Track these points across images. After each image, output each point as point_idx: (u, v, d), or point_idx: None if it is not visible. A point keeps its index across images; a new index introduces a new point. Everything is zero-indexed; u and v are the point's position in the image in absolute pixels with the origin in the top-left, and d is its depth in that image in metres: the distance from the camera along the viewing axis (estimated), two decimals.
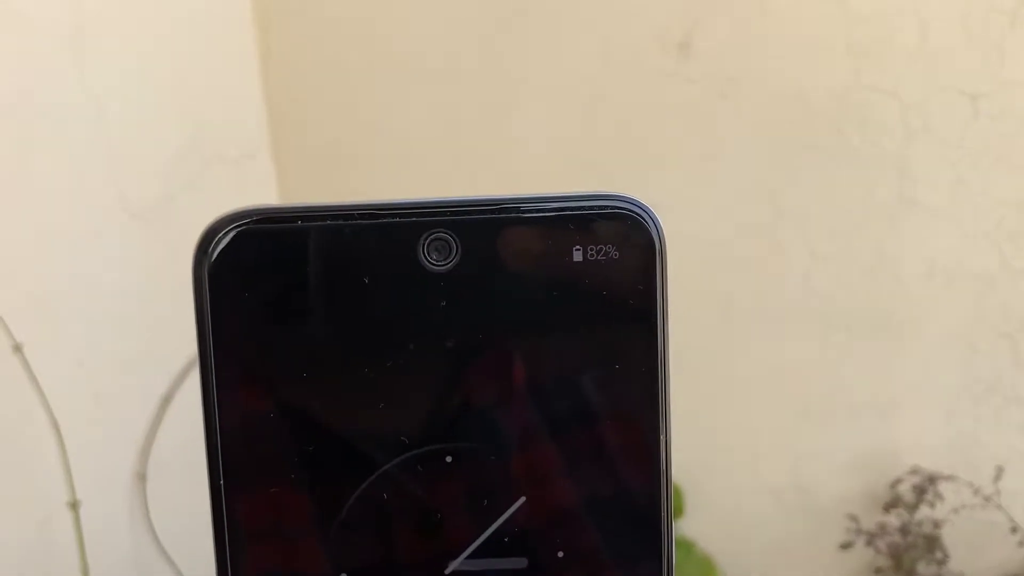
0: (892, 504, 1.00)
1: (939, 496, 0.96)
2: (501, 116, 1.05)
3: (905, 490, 0.99)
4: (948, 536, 1.00)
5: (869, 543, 0.99)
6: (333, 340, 0.17)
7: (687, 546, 1.10)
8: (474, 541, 0.17)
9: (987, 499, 0.96)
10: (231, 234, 0.18)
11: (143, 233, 0.93)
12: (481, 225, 0.17)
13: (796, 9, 0.94)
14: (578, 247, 0.18)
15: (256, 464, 0.18)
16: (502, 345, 0.18)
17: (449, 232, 0.17)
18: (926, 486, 0.96)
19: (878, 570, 1.02)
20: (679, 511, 1.10)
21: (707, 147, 1.00)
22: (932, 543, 0.98)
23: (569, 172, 1.04)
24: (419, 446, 0.17)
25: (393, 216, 0.18)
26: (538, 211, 0.18)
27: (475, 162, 1.07)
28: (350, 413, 0.18)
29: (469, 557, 0.17)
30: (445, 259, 0.17)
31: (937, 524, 0.99)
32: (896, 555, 1.00)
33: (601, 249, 0.19)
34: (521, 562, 0.17)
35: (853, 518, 1.02)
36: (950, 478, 0.97)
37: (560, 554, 0.17)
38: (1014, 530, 0.96)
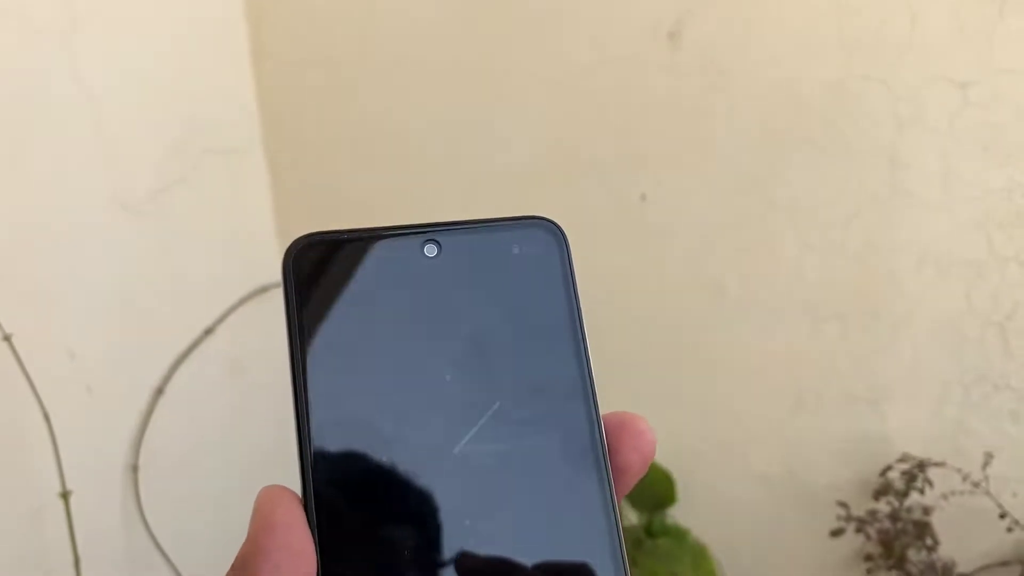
0: (882, 491, 1.00)
1: (929, 483, 0.96)
2: (492, 109, 1.05)
3: (895, 477, 1.00)
4: (938, 522, 1.00)
5: (859, 530, 1.00)
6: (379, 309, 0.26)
7: (680, 534, 1.10)
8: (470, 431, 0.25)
9: (976, 485, 0.97)
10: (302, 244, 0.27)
11: (136, 226, 0.93)
12: (455, 233, 0.27)
13: (788, 0, 0.94)
14: (515, 244, 0.28)
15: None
16: (476, 307, 0.27)
17: (436, 239, 0.27)
18: (916, 473, 0.96)
19: (868, 557, 1.03)
20: (671, 499, 1.10)
21: (699, 138, 1.00)
22: (922, 530, 0.99)
23: (559, 163, 1.04)
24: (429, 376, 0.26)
25: (406, 231, 0.27)
26: (491, 222, 0.28)
27: (466, 154, 1.07)
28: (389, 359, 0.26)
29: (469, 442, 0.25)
30: (436, 252, 0.27)
31: (927, 511, 1.00)
32: (886, 542, 1.00)
33: (529, 244, 0.28)
34: (503, 445, 0.25)
35: (843, 505, 1.02)
36: (940, 465, 0.98)
37: (526, 439, 0.25)
38: (1003, 516, 0.96)
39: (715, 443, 1.09)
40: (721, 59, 0.96)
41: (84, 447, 0.86)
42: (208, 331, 1.02)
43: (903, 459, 0.99)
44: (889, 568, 1.02)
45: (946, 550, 1.01)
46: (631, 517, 1.12)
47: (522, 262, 0.28)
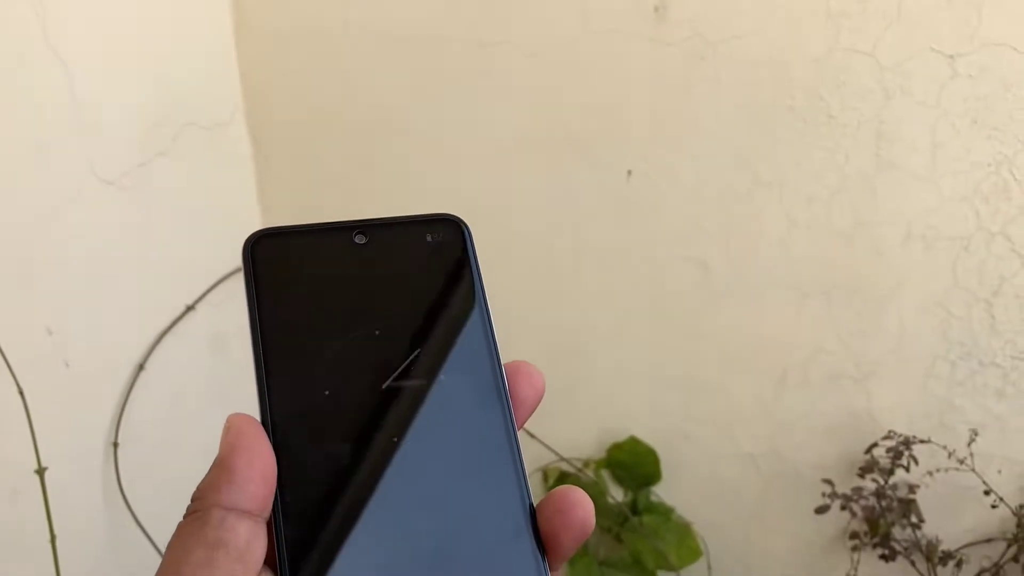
0: (867, 469, 1.00)
1: (914, 460, 0.96)
2: (476, 82, 1.04)
3: (880, 455, 0.99)
4: (923, 500, 1.00)
5: (844, 507, 0.99)
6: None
7: (665, 512, 1.10)
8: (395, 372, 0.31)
9: (961, 462, 0.97)
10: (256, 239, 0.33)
11: (116, 200, 0.92)
12: (379, 226, 0.34)
13: None
14: (429, 234, 0.34)
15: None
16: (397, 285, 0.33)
17: (364, 232, 0.34)
18: (901, 450, 0.96)
19: (853, 535, 1.03)
20: (656, 477, 1.10)
21: (684, 112, 0.99)
22: (907, 507, 0.99)
23: (544, 138, 1.03)
24: (367, 335, 0.32)
25: (342, 226, 0.34)
26: (408, 219, 0.34)
27: (449, 128, 1.06)
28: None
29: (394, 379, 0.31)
30: (364, 242, 0.33)
31: (912, 489, 1.00)
32: (871, 519, 1.00)
33: (439, 234, 0.34)
34: (422, 381, 0.31)
35: (829, 482, 1.02)
36: (925, 442, 0.98)
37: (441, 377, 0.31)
38: (987, 493, 0.96)
39: (700, 421, 1.08)
40: (707, 32, 0.95)
41: (62, 423, 0.85)
42: (190, 308, 1.01)
43: (889, 436, 0.98)
44: (874, 546, 1.01)
45: (931, 527, 1.01)
46: (616, 495, 1.11)
47: (434, 248, 0.34)
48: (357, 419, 0.30)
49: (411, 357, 0.31)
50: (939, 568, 1.00)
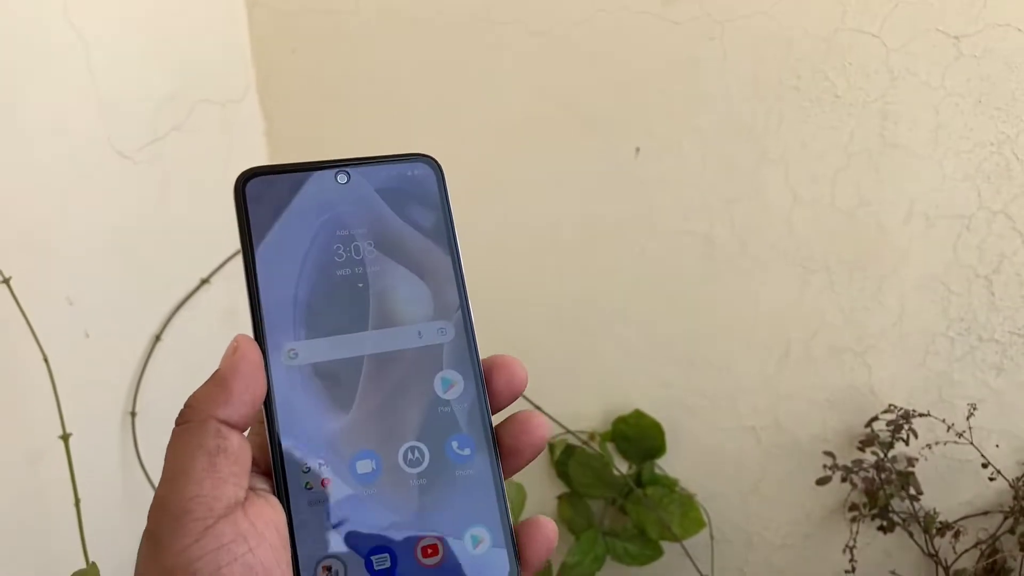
0: (867, 442, 1.02)
1: (913, 433, 0.98)
2: (485, 59, 1.05)
3: (880, 428, 1.02)
4: (921, 473, 1.02)
5: (845, 479, 1.01)
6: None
7: (669, 484, 1.12)
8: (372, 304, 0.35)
9: (960, 435, 0.99)
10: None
11: (132, 173, 0.94)
12: (361, 163, 0.36)
13: None
14: (409, 169, 0.37)
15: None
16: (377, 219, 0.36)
17: (346, 170, 0.36)
18: (901, 424, 0.98)
19: (852, 507, 1.05)
20: (660, 450, 1.12)
21: (691, 90, 1.00)
22: (906, 480, 1.01)
23: (553, 115, 1.05)
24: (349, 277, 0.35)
25: (329, 164, 0.36)
26: (389, 158, 0.37)
27: (459, 105, 1.08)
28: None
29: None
30: (346, 180, 0.36)
31: (911, 462, 1.02)
32: (871, 492, 1.02)
33: (416, 168, 0.37)
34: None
35: (830, 454, 1.04)
36: (924, 416, 1.00)
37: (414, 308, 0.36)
38: (985, 465, 0.98)
39: (703, 394, 1.10)
40: (714, 12, 0.96)
41: (83, 391, 0.87)
42: (204, 281, 1.03)
43: (889, 410, 1.00)
44: (872, 517, 1.04)
45: (929, 500, 1.03)
46: (621, 467, 1.14)
47: (411, 183, 0.36)
48: (336, 336, 0.34)
49: (389, 295, 0.35)
50: (936, 539, 1.03)
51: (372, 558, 0.32)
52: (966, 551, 1.03)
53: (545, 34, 1.02)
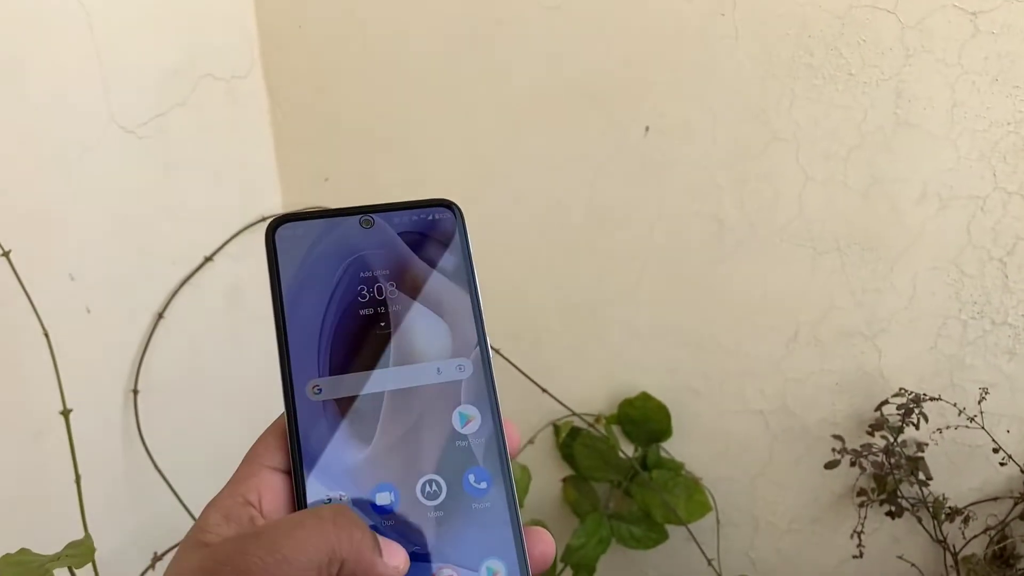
0: (877, 426, 1.01)
1: (924, 417, 0.97)
2: (495, 37, 1.04)
3: (890, 412, 1.00)
4: (931, 458, 1.01)
5: (854, 463, 1.00)
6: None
7: (675, 467, 1.12)
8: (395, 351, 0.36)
9: (971, 420, 0.97)
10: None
11: (135, 149, 0.93)
12: (386, 209, 0.38)
13: None
14: (430, 214, 0.38)
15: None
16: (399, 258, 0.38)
17: (370, 216, 0.37)
18: (912, 407, 0.97)
19: (860, 492, 1.04)
20: (667, 433, 1.11)
21: (702, 68, 0.98)
22: (915, 464, 1.00)
23: (562, 94, 1.03)
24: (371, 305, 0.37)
25: (356, 210, 0.38)
26: (412, 204, 0.38)
27: (466, 81, 1.06)
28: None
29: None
30: (370, 225, 0.37)
31: (920, 446, 1.01)
32: (880, 477, 1.01)
33: (437, 212, 0.38)
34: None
35: (839, 438, 1.03)
36: (936, 400, 0.98)
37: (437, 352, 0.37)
38: (996, 451, 0.97)
39: (711, 377, 1.09)
40: None
41: (84, 367, 0.86)
42: (208, 259, 1.02)
43: (899, 394, 0.99)
44: (881, 502, 1.03)
45: (938, 485, 1.02)
46: (627, 450, 1.13)
47: (432, 227, 0.38)
48: (358, 373, 0.36)
49: (410, 333, 0.36)
50: (945, 525, 1.02)
51: None
52: (975, 537, 1.02)
53: (557, 9, 1.00)
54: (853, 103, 0.94)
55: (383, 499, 0.34)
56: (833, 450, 1.02)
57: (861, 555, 1.02)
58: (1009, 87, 0.89)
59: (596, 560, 1.10)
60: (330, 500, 0.33)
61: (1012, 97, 0.89)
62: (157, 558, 0.90)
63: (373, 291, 0.37)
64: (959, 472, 1.03)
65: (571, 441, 1.13)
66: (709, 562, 1.10)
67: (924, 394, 0.98)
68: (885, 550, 1.08)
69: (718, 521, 1.13)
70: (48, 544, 0.62)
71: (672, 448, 1.13)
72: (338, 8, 1.07)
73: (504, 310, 1.10)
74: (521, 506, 0.36)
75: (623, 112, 1.02)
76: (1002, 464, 0.97)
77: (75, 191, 0.86)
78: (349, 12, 1.07)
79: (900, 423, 0.98)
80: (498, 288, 1.10)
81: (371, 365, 0.36)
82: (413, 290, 0.37)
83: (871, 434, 1.02)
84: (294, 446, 0.34)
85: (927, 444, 1.01)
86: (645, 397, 1.10)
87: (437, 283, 0.37)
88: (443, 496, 0.35)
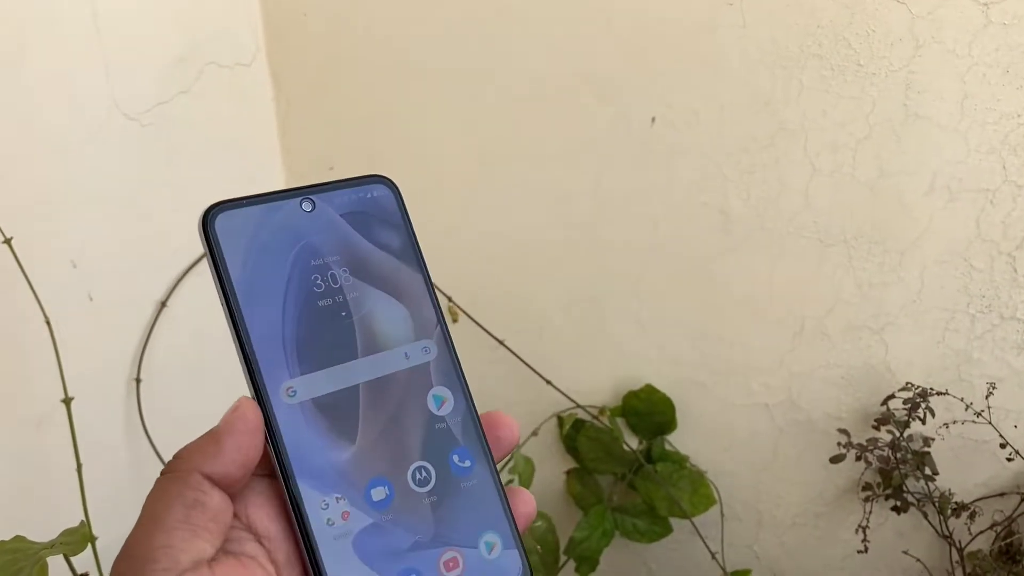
0: (883, 421, 1.00)
1: (930, 411, 0.96)
2: (498, 25, 1.03)
3: (897, 407, 0.99)
4: (937, 453, 1.00)
5: (859, 457, 1.00)
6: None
7: (679, 460, 1.11)
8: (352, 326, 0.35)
9: (979, 415, 0.97)
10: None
11: (138, 136, 0.92)
12: (323, 189, 0.36)
13: None
14: (368, 191, 0.37)
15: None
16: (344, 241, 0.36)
17: (311, 198, 0.35)
18: (918, 402, 0.96)
19: (866, 486, 1.03)
20: (671, 426, 1.11)
21: (709, 58, 0.97)
22: (921, 459, 0.99)
23: (568, 83, 1.02)
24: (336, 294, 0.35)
25: (293, 193, 0.36)
26: (346, 181, 0.37)
27: (470, 70, 1.05)
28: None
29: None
30: (312, 208, 0.35)
31: (927, 441, 1.00)
32: (885, 471, 1.01)
33: (375, 189, 0.37)
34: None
35: (844, 432, 1.02)
36: (942, 394, 0.98)
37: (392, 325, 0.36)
38: (1003, 446, 0.96)
39: (716, 370, 1.09)
40: None
41: (85, 356, 0.86)
42: None
43: (906, 388, 0.98)
44: (886, 498, 1.02)
45: (944, 481, 1.01)
46: (631, 443, 1.12)
47: (372, 205, 0.37)
48: (330, 368, 0.34)
49: (372, 321, 0.35)
50: (951, 520, 1.01)
51: None
52: (981, 532, 1.01)
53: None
54: (861, 94, 0.93)
55: (379, 494, 0.34)
56: (839, 444, 1.01)
57: (866, 550, 1.01)
58: (1020, 79, 0.88)
59: (599, 553, 1.09)
60: (328, 506, 0.33)
61: (1022, 88, 0.88)
62: None
63: (328, 279, 0.35)
64: (965, 467, 1.02)
65: (575, 433, 1.12)
66: (713, 556, 1.09)
67: (931, 388, 0.97)
68: (890, 545, 1.08)
69: (722, 515, 1.13)
70: (49, 533, 0.62)
71: (677, 441, 1.12)
72: None
73: (509, 301, 1.10)
74: None
75: (629, 102, 1.02)
76: (1009, 459, 0.97)
77: (77, 178, 0.85)
78: (353, 1, 1.06)
79: (906, 417, 0.98)
80: (503, 279, 1.10)
81: (341, 358, 0.34)
82: (367, 275, 0.36)
83: (877, 428, 1.01)
84: (278, 454, 0.33)
85: (933, 439, 1.00)
86: (650, 389, 1.10)
87: (389, 264, 0.36)
88: (433, 481, 0.35)
